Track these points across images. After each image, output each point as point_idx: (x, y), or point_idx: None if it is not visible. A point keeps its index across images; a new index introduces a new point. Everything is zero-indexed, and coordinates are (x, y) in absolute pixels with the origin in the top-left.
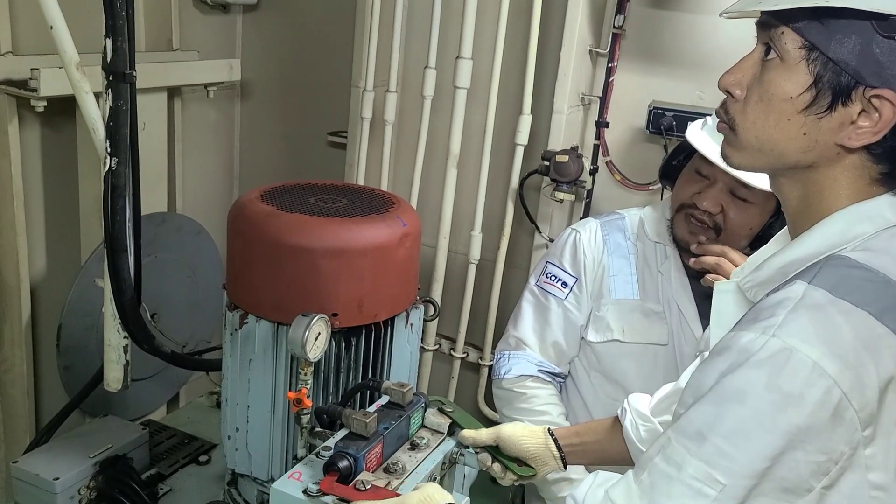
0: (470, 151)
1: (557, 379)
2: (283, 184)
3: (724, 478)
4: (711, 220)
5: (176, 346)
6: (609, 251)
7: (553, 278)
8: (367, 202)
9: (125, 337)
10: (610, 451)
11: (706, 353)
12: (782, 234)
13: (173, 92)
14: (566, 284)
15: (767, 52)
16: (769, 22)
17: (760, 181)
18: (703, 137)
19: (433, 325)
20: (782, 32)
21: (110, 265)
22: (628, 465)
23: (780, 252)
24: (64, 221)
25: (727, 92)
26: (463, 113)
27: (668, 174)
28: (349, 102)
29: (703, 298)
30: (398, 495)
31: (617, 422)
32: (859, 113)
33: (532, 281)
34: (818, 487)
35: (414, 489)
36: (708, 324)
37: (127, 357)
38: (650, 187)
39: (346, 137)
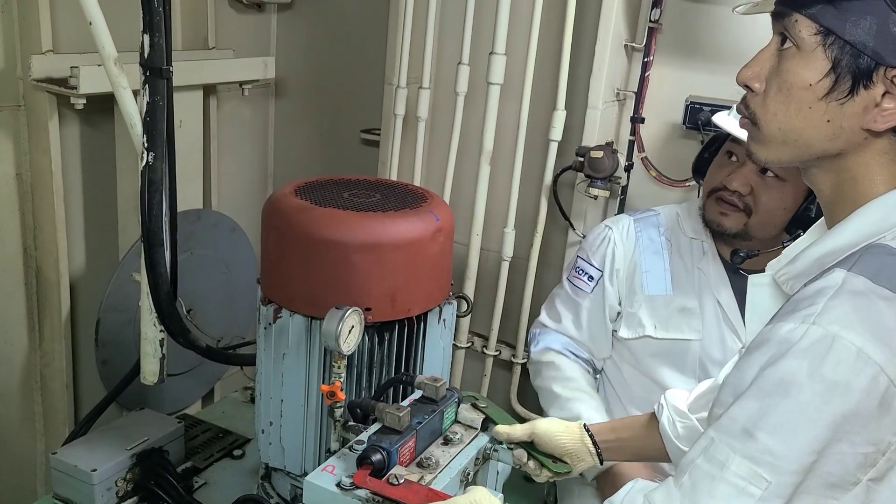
0: (503, 148)
1: (585, 363)
2: (317, 179)
3: (770, 475)
4: (741, 202)
5: (211, 340)
6: (641, 247)
7: (581, 272)
8: (401, 197)
9: (161, 331)
10: (646, 447)
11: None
12: (818, 225)
13: (209, 90)
14: (592, 278)
15: (783, 42)
16: (782, 11)
17: None
18: (730, 120)
19: (465, 323)
20: (796, 20)
21: (147, 259)
22: (664, 462)
23: (816, 243)
24: (102, 218)
25: (746, 86)
26: (496, 109)
27: (701, 168)
28: (382, 100)
29: (744, 293)
30: (445, 496)
31: (653, 418)
32: (883, 95)
33: (564, 275)
34: (865, 480)
35: (463, 493)
36: None
37: (163, 351)
38: (686, 184)
39: (378, 134)
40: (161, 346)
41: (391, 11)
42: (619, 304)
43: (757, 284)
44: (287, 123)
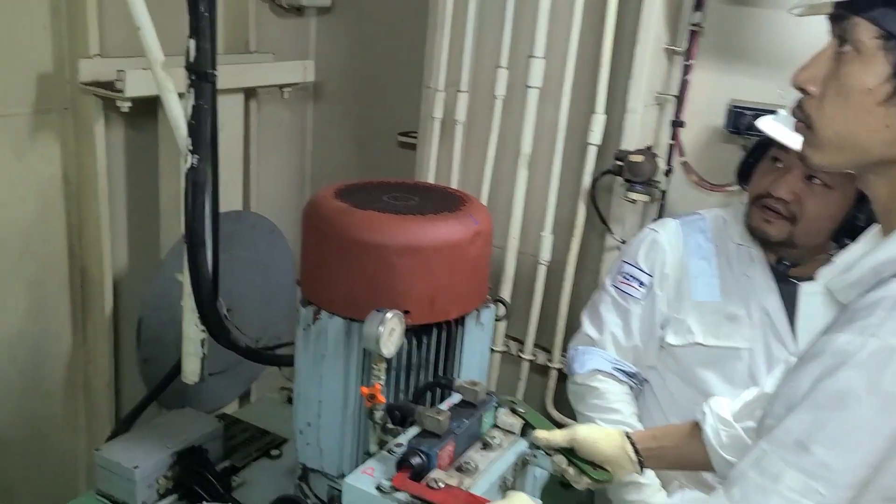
0: (541, 151)
1: (633, 379)
2: (357, 181)
3: (824, 489)
4: (786, 209)
5: (250, 341)
6: (689, 252)
7: (630, 278)
8: (440, 200)
9: (203, 330)
10: (688, 456)
11: (791, 360)
12: (873, 234)
13: (250, 93)
14: (643, 284)
15: (841, 44)
16: (841, 14)
17: None
18: (776, 125)
19: (501, 327)
20: (856, 24)
21: (190, 260)
22: (707, 471)
23: (872, 252)
24: (144, 218)
25: (801, 89)
26: (535, 112)
27: (746, 175)
28: (420, 103)
29: (792, 301)
30: (485, 501)
31: (696, 426)
32: None
33: (608, 281)
34: None
35: (503, 498)
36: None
37: (204, 350)
38: (727, 188)
39: (416, 138)
40: (202, 345)
41: (430, 15)
42: (668, 309)
43: (809, 293)
44: (325, 126)
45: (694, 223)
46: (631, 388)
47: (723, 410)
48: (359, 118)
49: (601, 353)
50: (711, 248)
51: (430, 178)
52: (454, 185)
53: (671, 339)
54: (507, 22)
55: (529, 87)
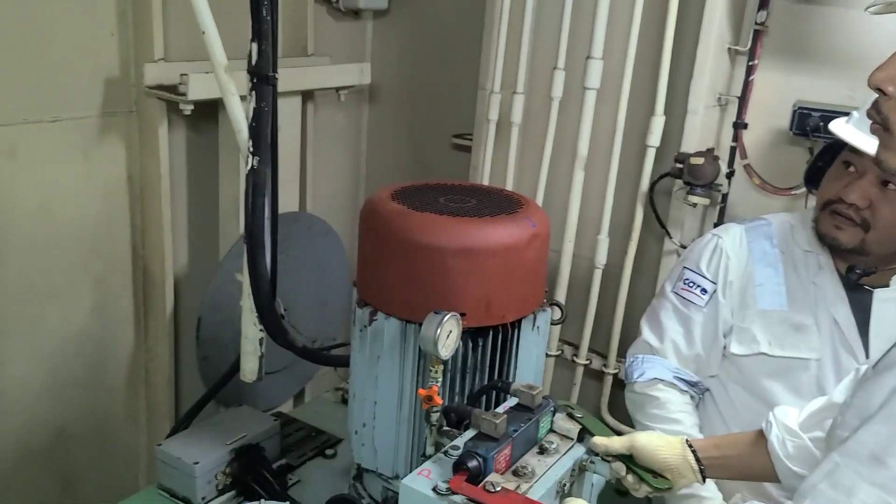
0: (598, 153)
1: (694, 389)
2: (413, 184)
3: None
4: (858, 216)
5: (307, 341)
6: (754, 259)
7: (692, 285)
8: (496, 202)
9: (261, 330)
10: (752, 465)
11: (861, 368)
12: None
13: (307, 95)
14: (706, 291)
15: None
16: None
17: None
18: (849, 128)
19: (556, 331)
20: None
21: (249, 260)
22: (771, 482)
23: None
24: (204, 219)
25: (879, 89)
26: (592, 114)
27: (814, 178)
28: (475, 105)
29: (862, 310)
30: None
31: (761, 435)
32: None
33: (668, 287)
34: None
35: None
36: (868, 336)
37: (262, 350)
38: (792, 192)
39: (470, 139)
40: (260, 344)
41: (486, 17)
42: (732, 317)
43: (884, 300)
44: (379, 127)
45: (759, 229)
46: (692, 397)
47: (789, 420)
48: (413, 120)
49: (662, 361)
50: (777, 254)
51: (485, 180)
52: (509, 187)
53: (735, 348)
54: (564, 23)
55: (587, 88)
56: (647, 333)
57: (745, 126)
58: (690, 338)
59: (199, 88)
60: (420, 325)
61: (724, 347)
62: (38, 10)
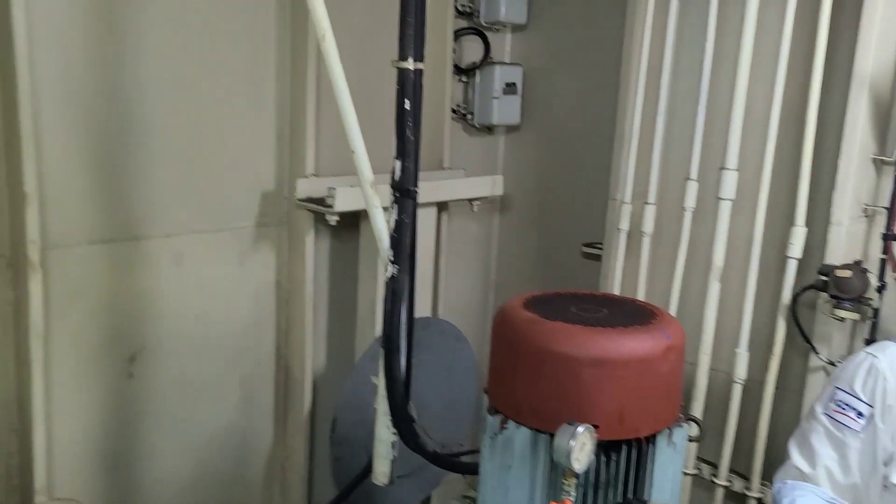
0: (734, 264)
1: None
2: (545, 292)
3: None
4: None
5: (437, 446)
6: None
7: (845, 407)
8: (629, 313)
9: (394, 433)
10: None
11: None
12: None
13: (442, 206)
14: (861, 415)
15: None
16: None
17: None
18: None
19: (692, 448)
20: None
21: (385, 364)
22: None
23: None
24: (341, 322)
25: None
26: (727, 224)
27: None
28: (605, 214)
29: None
30: None
31: None
32: None
33: (819, 409)
34: None
35: None
36: None
37: (394, 452)
38: None
39: (600, 249)
40: (393, 447)
41: (616, 128)
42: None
43: None
44: (510, 236)
45: None
46: None
47: None
48: (543, 229)
49: (814, 489)
50: None
51: (616, 290)
52: (641, 296)
53: None
54: (696, 134)
55: (721, 198)
56: (796, 458)
57: (895, 238)
58: (846, 465)
59: (344, 201)
60: (551, 435)
61: (884, 478)
62: (209, 130)
